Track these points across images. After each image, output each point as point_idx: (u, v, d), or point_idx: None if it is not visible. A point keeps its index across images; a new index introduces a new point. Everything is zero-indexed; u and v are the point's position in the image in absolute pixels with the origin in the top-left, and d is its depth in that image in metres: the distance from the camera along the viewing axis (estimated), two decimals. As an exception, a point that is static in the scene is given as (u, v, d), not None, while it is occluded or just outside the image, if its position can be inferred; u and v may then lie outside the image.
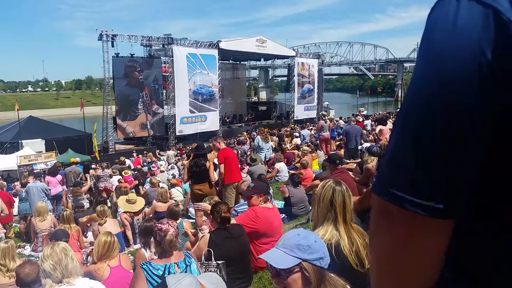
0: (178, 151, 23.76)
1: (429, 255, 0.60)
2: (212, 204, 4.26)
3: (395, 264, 0.62)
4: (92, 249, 3.96)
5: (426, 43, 0.58)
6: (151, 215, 7.07)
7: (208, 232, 3.73)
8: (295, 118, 38.24)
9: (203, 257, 3.49)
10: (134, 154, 23.19)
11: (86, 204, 9.75)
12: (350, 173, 5.99)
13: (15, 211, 9.82)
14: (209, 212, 3.85)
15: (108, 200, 11.70)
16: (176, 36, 28.26)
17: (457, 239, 0.61)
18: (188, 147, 24.01)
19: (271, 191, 7.44)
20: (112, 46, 25.28)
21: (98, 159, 21.64)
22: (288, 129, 27.59)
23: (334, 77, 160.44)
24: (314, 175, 8.09)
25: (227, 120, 36.21)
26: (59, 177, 11.08)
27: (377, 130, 10.75)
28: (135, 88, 26.36)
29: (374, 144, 7.84)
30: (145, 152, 22.29)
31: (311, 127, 25.15)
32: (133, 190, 11.37)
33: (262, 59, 44.05)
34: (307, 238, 1.68)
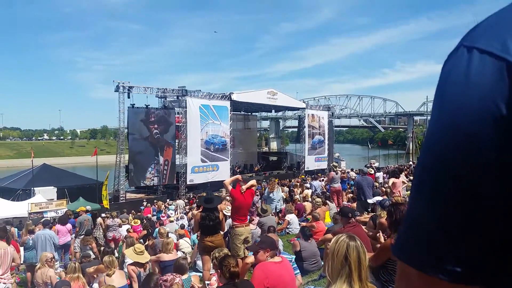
0: (188, 201, 23.65)
1: None
2: (220, 257, 4.16)
3: None
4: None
5: (439, 97, 0.56)
6: (156, 268, 6.95)
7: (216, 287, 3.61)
8: (306, 169, 38.14)
9: (210, 313, 3.35)
10: (144, 203, 23.14)
11: (92, 254, 9.60)
12: (363, 227, 5.85)
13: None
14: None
15: (116, 251, 11.55)
16: (190, 88, 29.14)
17: None
18: (198, 197, 23.91)
19: (281, 245, 7.28)
20: (128, 97, 26.08)
21: (108, 207, 21.58)
22: (299, 179, 27.45)
23: (344, 129, 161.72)
24: (326, 228, 7.92)
25: (238, 170, 36.26)
26: (68, 226, 11.01)
27: (390, 183, 10.63)
28: (150, 148, 26.84)
29: (386, 198, 7.71)
30: (155, 201, 22.21)
31: (323, 178, 24.99)
32: (141, 240, 11.23)
33: (273, 111, 44.82)
34: None
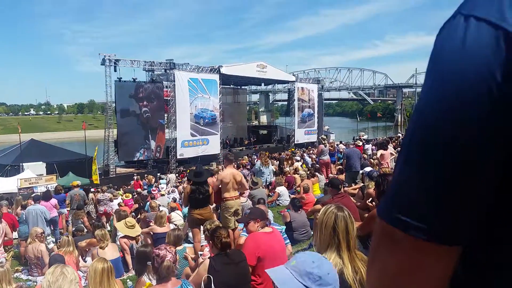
0: (179, 175, 23.73)
1: (431, 282, 0.58)
2: (212, 228, 4.22)
3: None
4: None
5: (433, 65, 0.56)
6: (148, 240, 7.05)
7: (208, 258, 3.69)
8: (295, 142, 38.33)
9: (202, 283, 3.44)
10: (135, 177, 23.16)
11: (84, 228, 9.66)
12: (352, 198, 5.97)
13: (15, 234, 9.73)
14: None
15: (107, 224, 11.62)
16: (178, 61, 28.66)
17: (463, 268, 0.60)
18: (189, 171, 23.98)
19: (271, 215, 7.40)
20: (115, 70, 25.58)
21: (98, 183, 21.56)
22: (289, 153, 27.62)
23: (334, 102, 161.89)
24: (315, 199, 8.06)
25: (228, 144, 36.29)
26: (53, 201, 10.95)
27: (378, 155, 10.77)
28: (140, 129, 26.61)
29: (373, 169, 7.83)
30: (145, 175, 22.24)
31: (311, 151, 25.16)
32: (133, 214, 11.31)
33: (263, 84, 44.48)
34: (320, 268, 1.58)
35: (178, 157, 28.25)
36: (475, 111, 0.51)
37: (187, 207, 9.05)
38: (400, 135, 30.94)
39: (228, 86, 38.28)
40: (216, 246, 3.63)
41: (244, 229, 4.69)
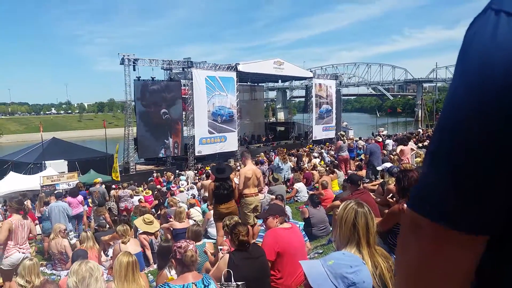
0: (197, 172, 23.93)
1: (456, 272, 0.59)
2: (231, 224, 4.25)
3: (421, 279, 0.62)
4: (111, 265, 3.96)
5: (462, 59, 0.56)
6: (168, 235, 7.15)
7: (227, 253, 3.71)
8: (313, 139, 38.13)
9: (222, 277, 3.46)
10: (154, 174, 23.46)
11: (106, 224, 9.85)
12: (371, 194, 5.91)
13: (38, 229, 9.99)
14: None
15: (128, 219, 11.83)
16: (195, 59, 28.88)
17: (489, 258, 0.60)
18: (207, 168, 24.15)
19: (289, 211, 7.40)
20: (134, 70, 25.94)
21: (118, 180, 21.90)
22: (307, 149, 27.51)
23: (352, 97, 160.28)
24: (334, 196, 8.01)
25: (247, 140, 36.39)
26: (79, 197, 11.23)
27: (398, 150, 10.64)
28: (159, 129, 26.98)
29: (394, 165, 7.74)
30: (164, 172, 22.50)
31: (330, 147, 25.00)
32: (153, 210, 11.47)
33: (280, 81, 44.42)
34: (357, 274, 1.55)
35: (196, 154, 28.48)
36: (504, 103, 0.51)
37: (206, 203, 9.18)
38: (420, 130, 30.48)
39: (245, 84, 38.31)
40: (234, 243, 3.66)
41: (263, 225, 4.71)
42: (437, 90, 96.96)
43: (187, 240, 3.13)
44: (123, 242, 6.02)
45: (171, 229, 7.09)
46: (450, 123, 0.57)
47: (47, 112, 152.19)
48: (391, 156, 12.11)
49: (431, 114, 61.79)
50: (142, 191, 14.71)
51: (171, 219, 7.80)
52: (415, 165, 8.57)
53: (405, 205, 3.24)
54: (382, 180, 6.79)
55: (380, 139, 14.82)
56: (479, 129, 0.53)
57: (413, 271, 0.63)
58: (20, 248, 5.88)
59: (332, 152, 19.15)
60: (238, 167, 12.83)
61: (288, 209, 7.24)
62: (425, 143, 15.71)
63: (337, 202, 5.54)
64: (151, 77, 26.97)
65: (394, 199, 3.82)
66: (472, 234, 0.57)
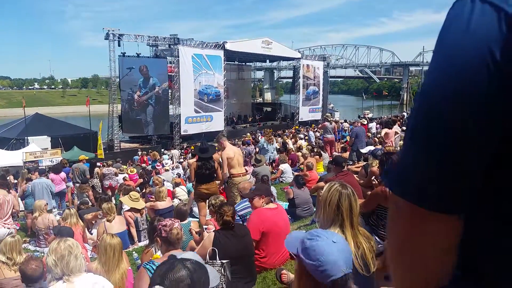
0: (183, 151, 23.85)
1: (434, 249, 0.62)
2: (217, 204, 4.28)
3: (403, 254, 0.66)
4: (95, 243, 3.97)
5: (440, 42, 0.59)
6: (151, 215, 7.19)
7: (213, 231, 3.75)
8: (300, 120, 38.25)
9: (207, 256, 3.51)
10: (139, 153, 23.31)
11: (89, 201, 9.80)
12: (355, 175, 6.00)
13: (21, 206, 9.89)
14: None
15: (113, 198, 11.78)
16: (182, 36, 28.37)
17: (466, 236, 0.63)
18: (193, 147, 24.10)
19: (274, 192, 7.47)
20: (119, 45, 25.40)
21: (102, 157, 21.72)
22: (293, 130, 27.60)
23: (339, 79, 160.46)
24: (319, 177, 8.10)
25: (234, 120, 36.31)
26: (62, 174, 11.10)
27: (382, 133, 10.76)
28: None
29: (378, 147, 7.84)
30: (150, 150, 22.37)
31: (316, 129, 25.14)
32: (138, 189, 11.44)
33: (268, 61, 44.09)
34: (315, 241, 1.60)
35: (182, 133, 28.32)
36: (474, 89, 0.53)
37: (192, 183, 9.19)
38: (405, 114, 30.76)
39: (233, 63, 37.96)
40: (218, 222, 3.70)
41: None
42: (423, 74, 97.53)
43: (172, 219, 3.15)
44: (108, 220, 6.03)
45: (154, 209, 7.11)
46: (426, 103, 0.59)
47: (30, 87, 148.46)
48: (375, 138, 12.25)
49: (416, 98, 62.40)
50: (127, 169, 14.63)
51: (151, 199, 7.81)
52: (399, 148, 8.69)
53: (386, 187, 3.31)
54: (366, 162, 6.89)
55: (366, 122, 14.95)
56: (449, 113, 0.56)
57: (399, 246, 0.67)
58: (4, 223, 5.84)
59: (318, 134, 19.27)
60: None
61: (273, 190, 7.31)
62: (409, 127, 15.91)
63: (321, 184, 5.61)
64: (136, 53, 26.52)
65: (377, 181, 3.90)
66: (450, 214, 0.60)
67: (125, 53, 25.83)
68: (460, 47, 0.55)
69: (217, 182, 6.69)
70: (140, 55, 26.60)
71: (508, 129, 0.55)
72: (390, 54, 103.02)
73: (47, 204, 7.87)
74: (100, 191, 11.95)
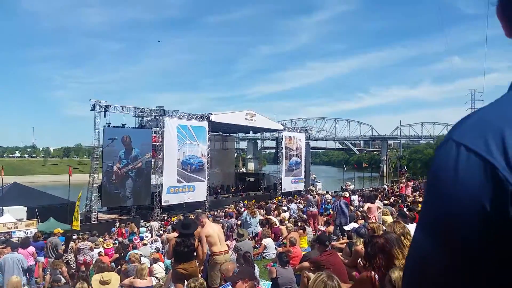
0: (163, 222, 23.22)
1: None
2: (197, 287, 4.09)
3: None
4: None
5: (432, 185, 0.61)
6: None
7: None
8: (282, 190, 38.23)
9: None
10: (117, 225, 22.57)
11: (62, 278, 9.26)
12: (339, 254, 5.89)
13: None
14: None
15: (87, 275, 11.17)
16: (168, 107, 29.09)
17: None
18: (173, 219, 23.53)
19: (257, 270, 7.22)
20: (105, 116, 25.77)
21: (78, 229, 20.94)
22: (276, 202, 27.42)
23: (320, 151, 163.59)
24: (302, 254, 7.92)
25: (218, 190, 36.04)
26: (30, 249, 10.55)
27: (365, 208, 10.77)
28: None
29: (362, 224, 7.80)
30: (128, 222, 21.73)
31: (299, 200, 25.05)
32: (113, 264, 10.92)
33: (251, 132, 45.04)
34: None
35: (163, 203, 27.84)
36: (467, 237, 0.55)
37: (171, 260, 8.83)
38: (386, 187, 31.15)
39: (217, 133, 38.63)
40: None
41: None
42: (401, 147, 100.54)
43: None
44: (79, 303, 5.66)
45: (132, 287, 6.74)
46: (416, 249, 0.62)
47: (11, 155, 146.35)
48: (358, 212, 12.24)
49: (395, 170, 63.51)
50: (103, 242, 14.07)
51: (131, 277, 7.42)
52: (381, 222, 8.66)
53: (372, 273, 3.25)
54: (350, 240, 6.80)
55: (348, 195, 15.03)
56: (440, 260, 0.58)
57: None
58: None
59: (301, 206, 19.16)
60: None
61: (256, 268, 7.06)
62: (391, 200, 16.03)
63: (306, 264, 5.48)
64: (122, 124, 26.81)
65: (363, 263, 3.82)
66: None
67: (110, 123, 26.10)
68: (453, 198, 0.56)
69: (197, 262, 6.41)
70: (125, 125, 26.89)
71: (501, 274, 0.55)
72: (368, 127, 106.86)
73: (20, 281, 7.38)
74: (74, 267, 11.36)
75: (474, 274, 0.56)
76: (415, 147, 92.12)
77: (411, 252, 0.64)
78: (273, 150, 47.91)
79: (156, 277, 8.95)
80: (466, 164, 0.57)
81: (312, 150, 56.47)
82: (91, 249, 12.00)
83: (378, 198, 13.99)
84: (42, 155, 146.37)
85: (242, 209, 18.49)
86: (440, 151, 0.62)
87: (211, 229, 6.50)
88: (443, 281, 0.57)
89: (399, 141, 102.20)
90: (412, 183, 27.27)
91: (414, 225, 7.20)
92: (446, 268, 0.57)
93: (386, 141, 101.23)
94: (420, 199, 14.98)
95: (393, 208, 11.86)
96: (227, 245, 7.77)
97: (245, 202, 27.05)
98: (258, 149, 76.59)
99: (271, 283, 6.81)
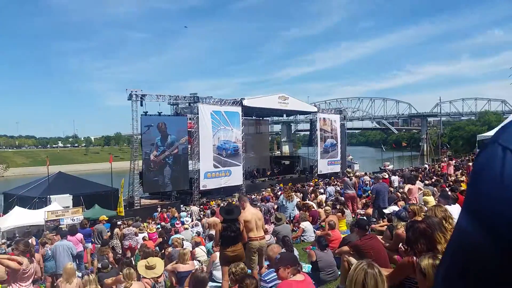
0: (202, 207, 23.75)
1: None
2: (238, 272, 4.17)
3: None
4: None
5: (474, 191, 0.60)
6: (173, 278, 7.04)
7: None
8: (318, 173, 38.00)
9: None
10: (159, 209, 23.32)
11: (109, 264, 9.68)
12: (380, 237, 5.81)
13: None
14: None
15: (133, 259, 11.66)
16: (201, 94, 29.38)
17: None
18: (212, 203, 24.01)
19: (296, 254, 7.26)
20: (141, 105, 26.39)
21: (123, 215, 21.80)
22: (312, 184, 27.34)
23: (357, 131, 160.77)
24: (342, 236, 7.89)
25: (255, 175, 36.37)
26: (78, 236, 11.10)
27: (405, 189, 10.55)
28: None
29: (402, 207, 7.64)
30: (169, 207, 22.38)
31: (337, 182, 24.85)
32: (157, 248, 11.31)
33: (285, 115, 44.90)
34: None
35: (201, 188, 28.43)
36: (508, 240, 0.53)
37: (211, 242, 9.04)
38: (426, 166, 30.27)
39: (250, 118, 38.70)
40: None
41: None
42: (442, 124, 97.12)
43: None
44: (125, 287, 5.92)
45: (176, 272, 6.97)
46: (459, 261, 0.61)
47: (54, 146, 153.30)
48: (398, 193, 12.00)
49: (436, 148, 61.64)
50: (146, 227, 14.58)
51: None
52: (422, 203, 8.47)
53: (414, 258, 3.19)
54: (390, 223, 6.70)
55: (387, 176, 14.74)
56: (484, 274, 0.56)
57: None
58: (24, 290, 5.77)
59: (338, 188, 19.01)
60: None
61: (295, 252, 7.11)
62: (432, 180, 15.59)
63: (346, 248, 5.45)
64: (158, 112, 27.36)
65: (404, 248, 3.75)
66: None
67: (147, 112, 26.72)
68: (496, 201, 0.55)
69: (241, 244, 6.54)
70: (161, 113, 27.44)
71: None
72: (407, 105, 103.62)
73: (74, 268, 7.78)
74: (120, 252, 11.86)
75: None
76: (457, 124, 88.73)
77: (454, 238, 0.63)
78: (308, 133, 47.58)
79: (199, 261, 9.21)
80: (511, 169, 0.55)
81: (348, 131, 55.57)
82: (136, 234, 12.47)
83: (419, 179, 13.65)
84: (84, 145, 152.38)
85: (279, 193, 18.57)
86: (485, 152, 0.61)
87: (250, 214, 6.58)
88: (490, 272, 0.55)
89: (439, 119, 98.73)
90: (454, 161, 26.38)
91: (457, 206, 6.98)
92: (492, 259, 0.55)
93: (426, 118, 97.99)
94: (463, 178, 14.46)
95: (435, 188, 11.55)
96: (266, 229, 7.86)
97: (281, 185, 27.15)
98: (292, 131, 76.22)
99: (310, 266, 6.86)
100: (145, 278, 6.91)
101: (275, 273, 4.31)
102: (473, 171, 0.62)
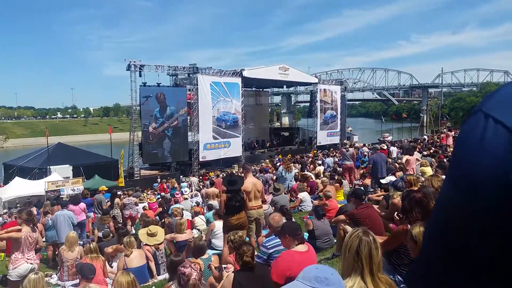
0: (201, 177, 23.96)
1: None
2: (236, 240, 4.24)
3: None
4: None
5: (456, 156, 0.63)
6: (171, 247, 7.18)
7: (233, 272, 3.69)
8: (318, 144, 38.12)
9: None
10: (158, 180, 23.53)
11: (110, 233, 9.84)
12: (376, 206, 5.89)
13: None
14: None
15: (133, 228, 11.85)
16: (200, 65, 29.04)
17: None
18: (211, 174, 24.20)
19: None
20: (140, 76, 26.14)
21: (123, 185, 21.99)
22: (311, 155, 27.45)
23: (357, 102, 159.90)
24: (339, 206, 7.98)
25: (255, 146, 36.45)
26: (81, 205, 11.23)
27: (403, 160, 10.60)
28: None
29: (399, 177, 7.70)
30: (169, 178, 22.57)
31: (334, 153, 24.94)
32: (157, 218, 11.48)
33: (285, 86, 44.49)
34: (324, 271, 1.79)
35: (201, 159, 28.56)
36: (489, 205, 0.56)
37: (211, 212, 9.18)
38: (425, 137, 30.29)
39: (250, 89, 38.43)
40: (238, 262, 3.63)
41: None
42: (443, 96, 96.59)
43: (192, 264, 3.13)
44: (126, 255, 6.03)
45: (174, 241, 7.10)
46: (441, 208, 0.65)
47: (53, 117, 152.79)
48: (396, 164, 12.07)
49: (436, 120, 61.57)
50: (147, 198, 14.74)
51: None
52: (420, 174, 8.53)
53: (409, 226, 3.23)
54: (387, 193, 6.77)
55: (385, 147, 14.77)
56: (460, 221, 0.60)
57: None
58: (28, 259, 5.91)
59: (337, 159, 19.11)
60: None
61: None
62: (431, 151, 15.64)
63: (342, 217, 5.53)
64: (157, 83, 27.16)
65: (399, 217, 3.80)
66: None
67: (145, 82, 26.50)
68: (477, 166, 0.58)
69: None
70: (160, 84, 27.22)
71: None
72: (408, 76, 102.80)
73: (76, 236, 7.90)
74: (121, 221, 12.04)
75: (493, 237, 0.57)
76: (458, 95, 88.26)
77: (438, 200, 0.67)
78: (308, 104, 47.32)
79: (198, 229, 9.37)
80: (492, 135, 0.57)
81: (348, 102, 55.29)
82: (136, 204, 12.63)
83: (417, 150, 13.69)
84: (83, 115, 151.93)
85: (278, 164, 18.68)
86: (469, 120, 0.63)
87: (250, 185, 6.68)
88: (466, 234, 0.59)
89: (440, 90, 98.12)
90: (453, 132, 26.32)
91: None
92: (469, 221, 0.58)
93: (427, 89, 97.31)
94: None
95: (433, 159, 11.60)
96: (264, 199, 7.95)
97: (280, 156, 27.28)
98: (292, 103, 75.81)
99: (308, 234, 6.98)
100: (146, 245, 7.05)
101: (276, 240, 4.36)
102: (457, 138, 0.64)
